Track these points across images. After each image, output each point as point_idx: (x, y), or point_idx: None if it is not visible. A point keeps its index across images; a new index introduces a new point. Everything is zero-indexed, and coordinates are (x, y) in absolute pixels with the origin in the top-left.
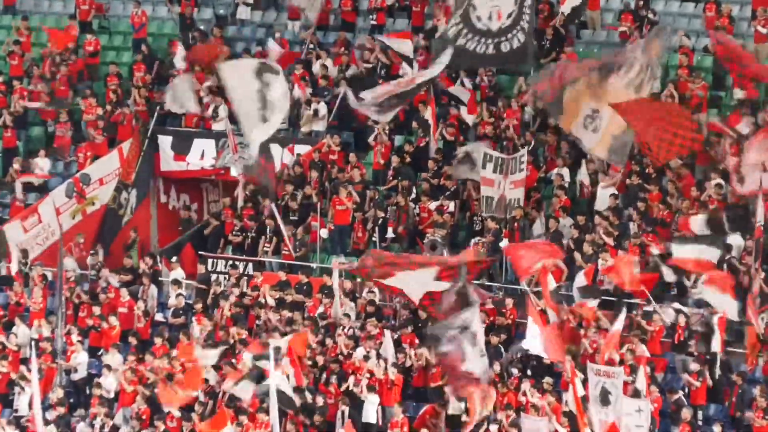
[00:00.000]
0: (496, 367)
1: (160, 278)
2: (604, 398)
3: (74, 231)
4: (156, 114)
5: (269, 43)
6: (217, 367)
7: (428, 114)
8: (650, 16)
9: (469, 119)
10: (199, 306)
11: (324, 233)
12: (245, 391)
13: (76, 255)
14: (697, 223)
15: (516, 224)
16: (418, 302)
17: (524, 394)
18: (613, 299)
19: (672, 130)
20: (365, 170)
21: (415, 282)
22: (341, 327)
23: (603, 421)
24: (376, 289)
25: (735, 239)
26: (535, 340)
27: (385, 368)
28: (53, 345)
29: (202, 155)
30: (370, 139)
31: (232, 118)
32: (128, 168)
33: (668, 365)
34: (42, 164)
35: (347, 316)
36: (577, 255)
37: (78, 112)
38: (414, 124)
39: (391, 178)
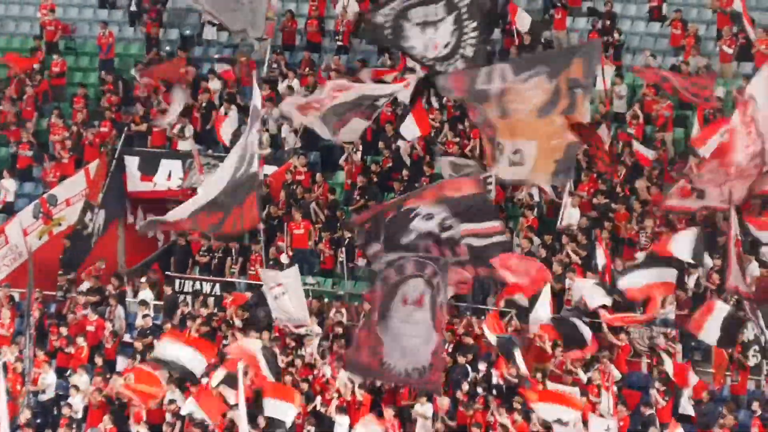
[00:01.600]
0: (464, 386)
1: (126, 299)
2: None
3: (40, 252)
4: (123, 135)
5: None
6: (183, 388)
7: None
8: (616, 35)
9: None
10: (168, 326)
11: (284, 258)
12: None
13: (91, 281)
14: (678, 242)
15: None
16: None
17: (492, 413)
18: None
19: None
20: (331, 191)
21: None
22: (309, 346)
23: None
24: (343, 310)
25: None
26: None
27: (353, 389)
28: (21, 367)
29: (169, 176)
30: (341, 160)
31: (198, 139)
32: (94, 188)
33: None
34: (8, 185)
35: (316, 334)
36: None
37: (44, 133)
38: (380, 144)
39: (357, 198)
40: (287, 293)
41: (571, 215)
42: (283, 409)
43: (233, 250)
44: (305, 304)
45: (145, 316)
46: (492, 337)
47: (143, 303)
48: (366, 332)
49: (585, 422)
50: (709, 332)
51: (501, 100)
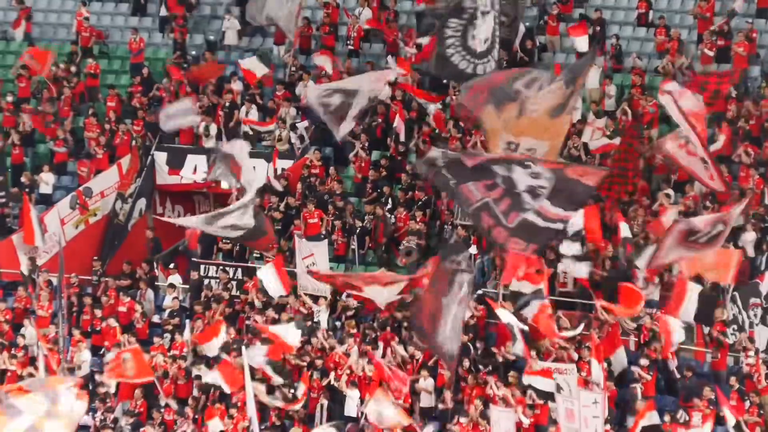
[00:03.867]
0: (465, 363)
1: (156, 283)
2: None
3: (78, 240)
4: (159, 134)
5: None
6: (208, 364)
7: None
8: (613, 40)
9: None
10: (198, 308)
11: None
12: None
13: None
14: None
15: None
16: (384, 307)
17: (491, 387)
18: (573, 300)
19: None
20: (345, 183)
21: (381, 296)
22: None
23: (568, 409)
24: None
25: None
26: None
27: (363, 366)
28: (58, 345)
29: (194, 169)
30: (351, 155)
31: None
32: (126, 181)
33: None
34: (47, 179)
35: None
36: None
37: (80, 130)
38: (389, 140)
39: (370, 191)
40: (317, 264)
41: None
42: None
43: None
44: None
45: (173, 298)
46: (505, 316)
47: (171, 286)
48: (431, 297)
49: None
50: (687, 311)
51: (525, 102)
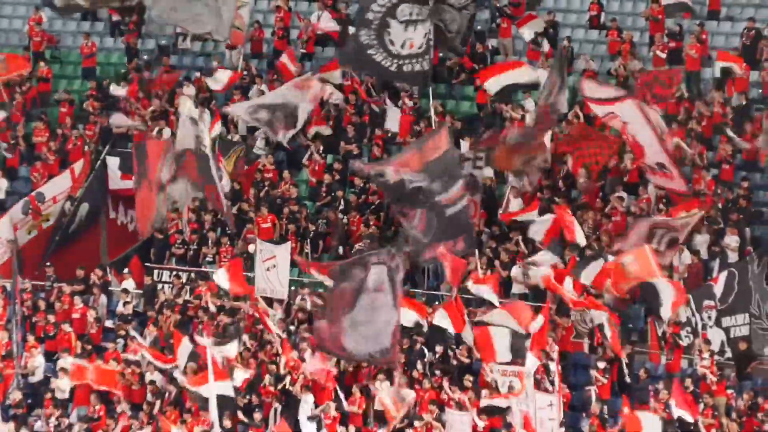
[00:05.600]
0: (419, 366)
1: (109, 288)
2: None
3: (31, 245)
4: (111, 139)
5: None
6: (161, 371)
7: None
8: (565, 42)
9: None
10: (152, 313)
11: (251, 249)
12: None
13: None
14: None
15: None
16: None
17: (445, 391)
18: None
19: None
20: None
21: None
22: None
23: (522, 411)
24: (307, 297)
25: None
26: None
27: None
28: (11, 351)
29: None
30: (304, 159)
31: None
32: (78, 185)
33: (577, 363)
34: None
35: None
36: (496, 262)
37: (32, 136)
38: (342, 144)
39: (324, 194)
40: (277, 266)
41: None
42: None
43: (209, 242)
44: (287, 281)
45: (126, 303)
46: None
47: (125, 291)
48: (327, 324)
49: None
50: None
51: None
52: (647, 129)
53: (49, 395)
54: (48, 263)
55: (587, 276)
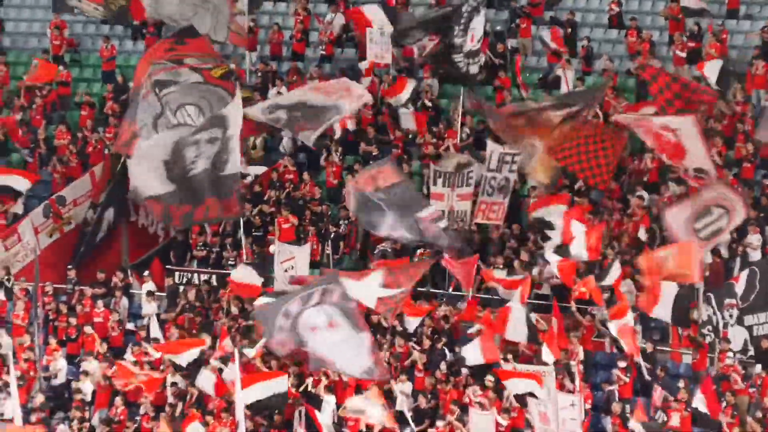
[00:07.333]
0: (443, 367)
1: (131, 290)
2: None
3: (52, 248)
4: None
5: None
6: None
7: None
8: (584, 43)
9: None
10: (171, 315)
11: (272, 249)
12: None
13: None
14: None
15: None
16: (374, 308)
17: (467, 391)
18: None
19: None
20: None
21: (364, 290)
22: None
23: (541, 413)
24: None
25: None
26: (474, 351)
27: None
28: (33, 354)
29: None
30: (321, 160)
31: None
32: (98, 189)
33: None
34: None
35: None
36: (516, 263)
37: (52, 139)
38: (361, 145)
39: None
40: (296, 267)
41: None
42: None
43: (227, 245)
44: None
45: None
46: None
47: (149, 294)
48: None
49: None
50: (662, 311)
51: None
52: (698, 139)
53: (78, 397)
54: (69, 266)
55: (611, 278)
